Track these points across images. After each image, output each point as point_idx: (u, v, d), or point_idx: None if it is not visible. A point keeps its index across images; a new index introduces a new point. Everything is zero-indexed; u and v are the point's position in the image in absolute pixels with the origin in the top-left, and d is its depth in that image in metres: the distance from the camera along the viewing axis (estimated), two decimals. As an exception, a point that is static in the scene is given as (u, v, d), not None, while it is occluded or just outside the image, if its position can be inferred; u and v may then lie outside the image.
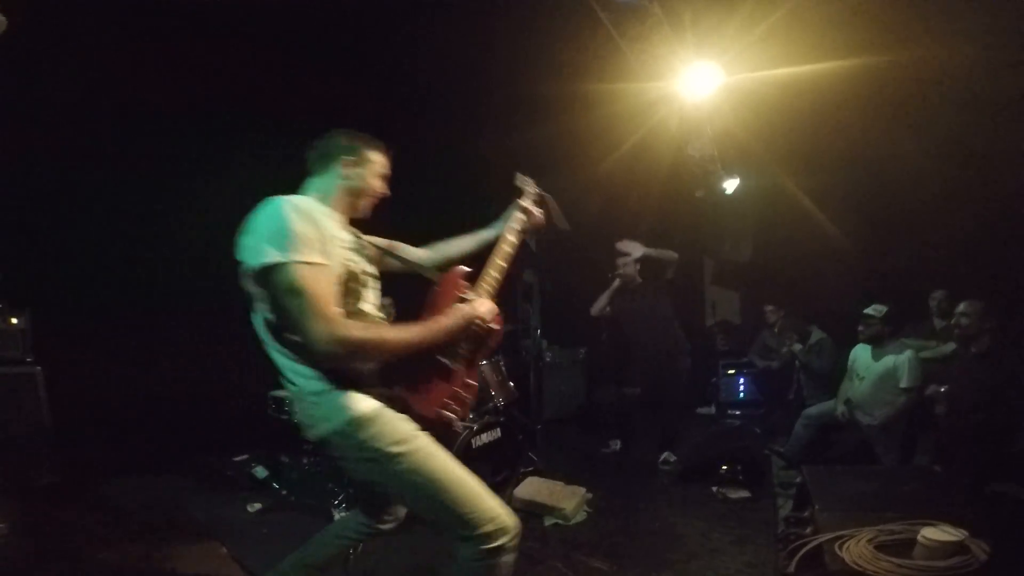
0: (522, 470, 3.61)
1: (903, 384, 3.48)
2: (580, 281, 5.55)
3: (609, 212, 5.61)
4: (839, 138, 4.52)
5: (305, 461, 3.63)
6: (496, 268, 1.80)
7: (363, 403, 1.43)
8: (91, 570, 2.61)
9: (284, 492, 3.40)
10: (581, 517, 3.17)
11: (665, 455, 4.18)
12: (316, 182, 1.66)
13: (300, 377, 1.46)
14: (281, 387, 3.94)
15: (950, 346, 3.72)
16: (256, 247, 1.39)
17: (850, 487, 2.24)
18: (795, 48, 3.19)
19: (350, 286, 1.50)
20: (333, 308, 1.37)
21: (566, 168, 5.57)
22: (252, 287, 1.45)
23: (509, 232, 1.89)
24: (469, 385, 1.66)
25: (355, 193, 1.66)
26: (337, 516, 3.10)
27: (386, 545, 2.76)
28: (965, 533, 1.60)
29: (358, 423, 1.41)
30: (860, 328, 3.75)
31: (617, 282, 4.33)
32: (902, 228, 5.05)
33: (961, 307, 3.21)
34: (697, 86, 3.38)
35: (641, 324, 4.30)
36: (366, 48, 3.62)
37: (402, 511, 1.85)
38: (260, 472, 3.54)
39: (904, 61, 3.22)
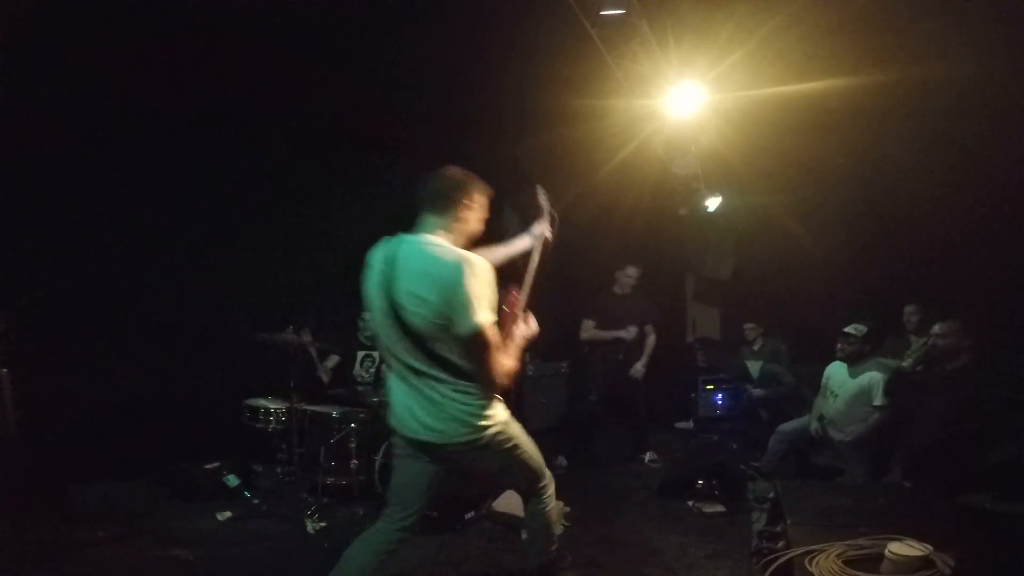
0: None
1: (876, 402, 3.54)
2: (564, 295, 5.58)
3: (595, 227, 5.67)
4: (820, 157, 4.62)
5: (279, 470, 3.58)
6: (529, 282, 2.24)
7: (503, 411, 1.95)
8: (54, 577, 2.53)
9: (256, 501, 3.33)
10: (558, 531, 3.15)
11: (649, 455, 4.50)
12: (438, 222, 1.85)
13: (465, 394, 1.82)
14: (256, 395, 3.88)
15: (912, 356, 3.78)
16: (462, 308, 1.69)
17: (822, 502, 2.27)
18: (778, 68, 3.28)
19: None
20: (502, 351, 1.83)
21: (553, 182, 5.63)
22: (436, 330, 1.74)
23: (535, 250, 2.33)
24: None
25: (466, 235, 1.90)
26: (310, 526, 3.04)
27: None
28: (930, 548, 1.63)
29: (504, 424, 1.93)
30: (839, 346, 3.80)
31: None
32: (884, 246, 5.15)
33: (937, 328, 3.28)
34: (682, 104, 3.45)
35: (615, 326, 4.55)
36: (358, 59, 3.63)
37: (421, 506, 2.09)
38: (231, 480, 3.47)
39: (887, 79, 3.30)
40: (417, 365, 1.80)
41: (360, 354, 4.20)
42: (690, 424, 5.88)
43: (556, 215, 2.43)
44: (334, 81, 3.71)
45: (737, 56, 3.07)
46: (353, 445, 3.24)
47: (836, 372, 3.85)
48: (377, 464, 3.37)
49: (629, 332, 4.49)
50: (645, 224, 5.83)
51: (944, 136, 3.99)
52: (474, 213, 1.89)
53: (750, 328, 5.61)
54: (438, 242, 1.80)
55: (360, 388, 3.95)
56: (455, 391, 1.80)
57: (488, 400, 1.86)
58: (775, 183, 5.33)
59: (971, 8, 2.87)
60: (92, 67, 3.04)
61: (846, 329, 3.77)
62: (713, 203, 5.64)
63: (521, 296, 2.10)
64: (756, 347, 5.56)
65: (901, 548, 1.63)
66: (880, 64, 3.25)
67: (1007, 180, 3.97)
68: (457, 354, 1.77)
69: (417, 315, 1.73)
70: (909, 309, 4.16)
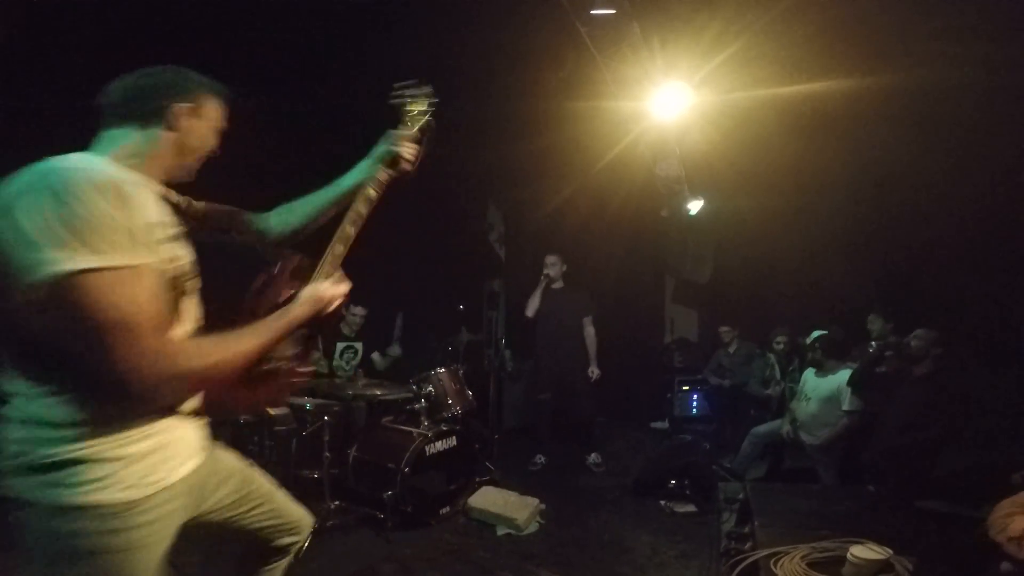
0: (478, 479, 3.59)
1: (845, 407, 3.63)
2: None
3: (582, 228, 5.69)
4: (804, 162, 4.67)
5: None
6: (343, 241, 1.36)
7: (124, 489, 1.00)
8: (8, 571, 2.45)
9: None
10: (533, 528, 3.18)
11: (592, 457, 4.31)
12: (125, 135, 1.13)
13: (37, 424, 0.97)
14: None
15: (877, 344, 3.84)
16: (27, 247, 0.90)
17: (789, 504, 2.32)
18: (763, 71, 3.31)
19: (171, 294, 1.06)
20: (161, 331, 0.97)
21: (540, 183, 5.64)
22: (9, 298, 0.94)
23: (370, 187, 1.43)
24: (301, 372, 1.29)
25: (184, 152, 1.19)
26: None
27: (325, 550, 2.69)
28: (890, 551, 1.68)
29: (111, 511, 0.98)
30: (808, 355, 3.95)
31: (544, 281, 4.39)
32: (866, 252, 5.24)
33: (917, 332, 3.40)
34: (667, 106, 3.47)
35: (553, 327, 4.36)
36: (340, 62, 3.58)
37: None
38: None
39: (873, 84, 3.35)
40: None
41: (340, 345, 4.15)
42: (665, 424, 5.96)
43: (432, 125, 1.55)
44: (317, 82, 3.65)
45: (723, 58, 3.10)
46: (326, 438, 3.20)
47: (811, 377, 3.94)
48: (351, 459, 3.34)
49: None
50: (628, 225, 5.88)
51: (931, 142, 4.05)
52: (199, 123, 1.19)
53: (725, 331, 5.70)
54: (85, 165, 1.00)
55: (337, 380, 3.90)
56: (23, 417, 0.98)
57: (91, 443, 0.97)
58: (758, 187, 5.40)
59: (959, 12, 2.93)
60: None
61: (813, 335, 3.89)
62: (695, 207, 5.70)
63: (323, 266, 1.31)
64: (731, 349, 5.65)
65: (862, 551, 1.68)
66: (865, 69, 3.30)
67: (994, 188, 4.05)
68: (37, 349, 0.97)
69: None
70: (871, 318, 4.30)
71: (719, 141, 4.26)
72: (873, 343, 3.74)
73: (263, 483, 1.40)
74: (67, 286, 0.90)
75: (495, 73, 3.61)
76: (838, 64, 3.31)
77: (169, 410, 1.09)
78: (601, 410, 4.70)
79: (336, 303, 1.29)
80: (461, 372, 3.73)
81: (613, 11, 2.88)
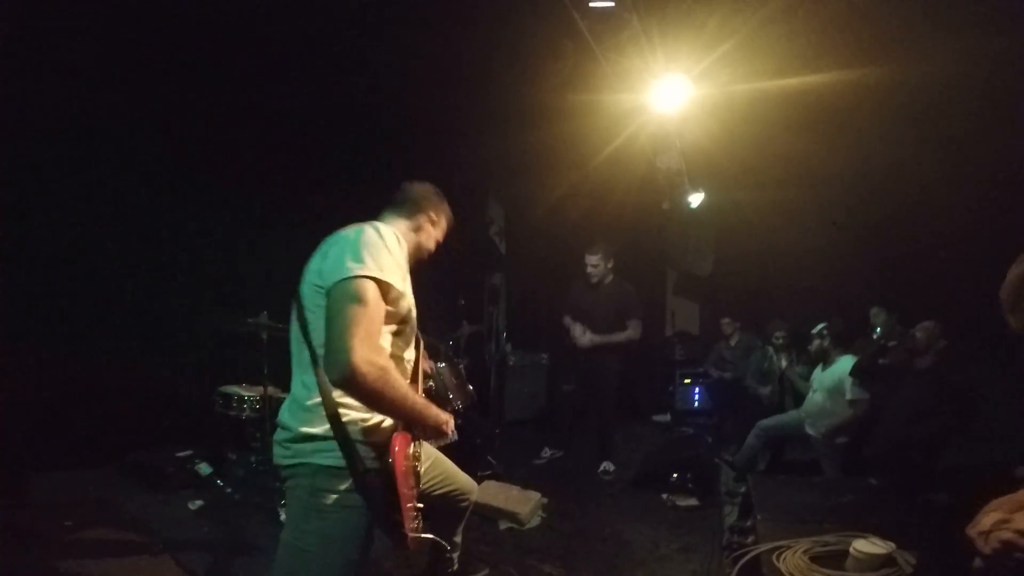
0: (479, 474, 3.60)
1: (848, 396, 3.61)
2: (548, 286, 5.59)
3: (583, 221, 5.67)
4: (803, 155, 4.65)
5: (253, 459, 3.52)
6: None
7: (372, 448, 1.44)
8: (19, 569, 2.46)
9: (228, 490, 3.28)
10: (535, 522, 3.18)
11: (604, 465, 4.13)
12: (399, 219, 1.70)
13: (304, 388, 1.45)
14: (229, 383, 3.79)
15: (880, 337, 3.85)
16: (337, 257, 1.40)
17: (792, 497, 2.31)
18: (763, 64, 3.29)
19: (406, 330, 1.55)
20: (375, 337, 1.36)
21: (541, 177, 5.62)
22: (313, 299, 1.42)
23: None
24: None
25: (420, 248, 1.74)
26: (283, 515, 3.01)
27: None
28: (893, 545, 1.68)
29: (334, 475, 1.40)
30: (815, 343, 3.91)
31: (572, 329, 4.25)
32: (864, 245, 5.23)
33: (922, 324, 3.40)
34: (667, 98, 3.44)
35: (591, 322, 4.19)
36: (345, 57, 3.56)
37: None
38: (204, 468, 3.41)
39: (872, 78, 3.35)
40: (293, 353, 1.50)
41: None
42: (667, 417, 5.96)
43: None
44: (323, 77, 3.65)
45: (723, 50, 3.08)
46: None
47: (819, 370, 3.94)
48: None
49: (580, 332, 4.13)
50: (629, 218, 5.86)
51: (929, 136, 4.04)
52: (434, 231, 1.77)
53: (726, 323, 5.69)
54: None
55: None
56: (302, 384, 1.45)
57: (334, 401, 1.36)
58: (758, 179, 5.38)
59: (960, 5, 2.91)
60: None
61: (814, 330, 3.90)
62: (696, 199, 5.67)
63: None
64: (732, 342, 5.65)
65: (865, 546, 1.67)
66: (866, 62, 3.29)
67: (996, 180, 4.03)
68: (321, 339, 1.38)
69: (304, 295, 1.45)
70: (874, 311, 4.29)
71: (719, 134, 4.23)
72: (878, 330, 3.74)
73: (443, 461, 1.95)
74: (346, 280, 1.34)
75: (495, 67, 3.59)
76: (838, 57, 3.29)
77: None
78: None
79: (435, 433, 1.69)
80: (462, 366, 3.73)
81: (612, 4, 2.85)
